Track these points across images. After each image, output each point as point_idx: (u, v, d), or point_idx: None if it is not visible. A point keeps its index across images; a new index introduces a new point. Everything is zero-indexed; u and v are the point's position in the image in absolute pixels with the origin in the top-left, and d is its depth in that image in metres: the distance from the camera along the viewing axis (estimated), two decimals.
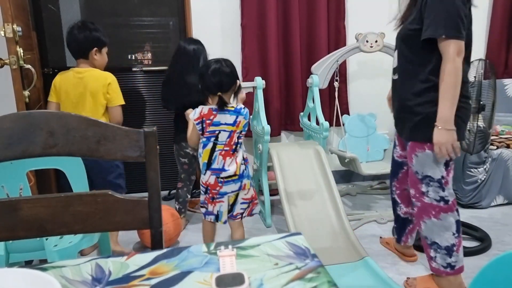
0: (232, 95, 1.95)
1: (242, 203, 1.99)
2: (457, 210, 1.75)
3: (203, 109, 1.90)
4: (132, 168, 2.68)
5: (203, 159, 1.93)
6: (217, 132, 1.90)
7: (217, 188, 1.92)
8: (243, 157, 1.97)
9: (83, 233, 1.02)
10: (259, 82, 2.60)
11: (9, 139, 0.91)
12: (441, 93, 1.58)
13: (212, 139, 1.90)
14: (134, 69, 3.05)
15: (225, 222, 2.00)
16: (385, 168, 2.82)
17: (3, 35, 1.98)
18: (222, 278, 0.69)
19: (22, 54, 2.05)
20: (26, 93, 2.12)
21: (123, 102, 2.17)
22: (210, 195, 1.95)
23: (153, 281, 0.71)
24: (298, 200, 2.36)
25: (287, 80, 3.10)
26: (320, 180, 2.45)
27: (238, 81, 1.95)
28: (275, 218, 2.70)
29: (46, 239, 1.59)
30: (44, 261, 1.60)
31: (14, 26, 2.00)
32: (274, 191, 2.76)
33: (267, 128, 2.47)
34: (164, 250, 0.82)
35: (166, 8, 3.08)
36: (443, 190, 1.71)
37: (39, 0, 2.83)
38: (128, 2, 3.02)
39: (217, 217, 1.99)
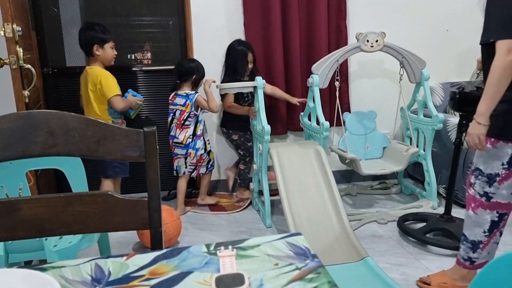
0: (191, 85, 2.73)
1: (189, 165, 2.83)
2: (499, 213, 1.69)
3: (172, 93, 2.78)
4: (132, 168, 2.67)
5: (168, 128, 2.79)
6: (174, 110, 2.75)
7: (173, 149, 2.81)
8: (194, 133, 2.73)
9: (82, 233, 1.02)
10: (260, 81, 2.58)
11: (9, 139, 0.91)
12: (485, 87, 1.59)
13: (171, 114, 2.76)
14: (134, 68, 3.05)
15: (184, 173, 2.83)
16: (384, 168, 2.83)
17: (2, 35, 1.98)
18: (222, 279, 0.69)
19: (21, 54, 2.05)
20: (26, 93, 2.12)
21: (115, 93, 2.43)
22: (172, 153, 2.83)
23: (153, 282, 0.71)
24: (298, 200, 2.36)
25: (288, 79, 3.10)
26: (320, 180, 2.45)
27: (195, 76, 2.71)
28: (275, 218, 2.70)
29: (46, 239, 1.59)
30: (44, 261, 1.60)
31: (14, 26, 2.00)
32: (274, 191, 2.76)
33: (267, 128, 2.46)
34: (164, 251, 0.82)
35: (166, 8, 3.08)
36: (490, 186, 1.67)
37: (39, 0, 2.83)
38: (128, 2, 3.01)
39: (177, 171, 2.84)
